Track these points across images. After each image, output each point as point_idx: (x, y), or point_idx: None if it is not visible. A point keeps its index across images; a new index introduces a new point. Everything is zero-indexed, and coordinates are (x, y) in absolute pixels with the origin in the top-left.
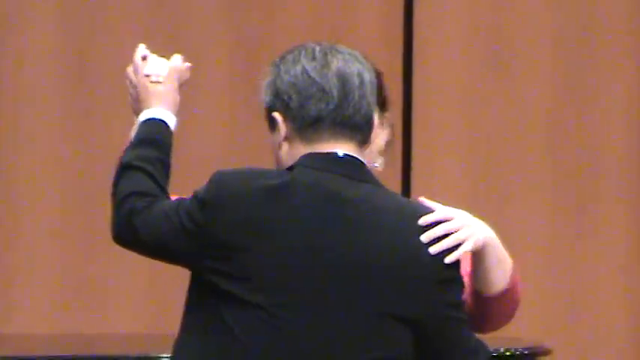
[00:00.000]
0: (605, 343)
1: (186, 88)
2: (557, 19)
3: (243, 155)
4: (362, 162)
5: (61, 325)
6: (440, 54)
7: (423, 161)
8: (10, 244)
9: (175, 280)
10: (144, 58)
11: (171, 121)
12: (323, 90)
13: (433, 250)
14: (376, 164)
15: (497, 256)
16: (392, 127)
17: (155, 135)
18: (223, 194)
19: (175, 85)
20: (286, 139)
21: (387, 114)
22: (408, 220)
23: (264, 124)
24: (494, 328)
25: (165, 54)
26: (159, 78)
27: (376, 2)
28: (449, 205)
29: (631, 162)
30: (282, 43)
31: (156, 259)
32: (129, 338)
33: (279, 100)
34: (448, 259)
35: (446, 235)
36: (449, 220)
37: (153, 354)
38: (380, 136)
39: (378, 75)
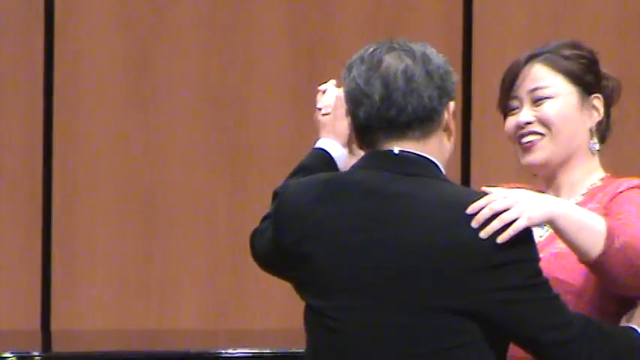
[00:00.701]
0: None
1: (248, 88)
2: (620, 8)
3: (303, 155)
4: (420, 156)
5: (122, 321)
6: (500, 44)
7: (482, 149)
8: (71, 242)
9: (235, 276)
10: (323, 92)
11: (334, 149)
12: (366, 94)
13: (483, 234)
14: (593, 146)
15: (573, 225)
16: (601, 107)
17: (310, 164)
18: (282, 208)
19: (340, 112)
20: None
21: (595, 95)
22: (457, 210)
23: None
24: (628, 292)
25: (224, 51)
26: (327, 109)
27: None
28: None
29: None
30: (343, 37)
31: (281, 278)
32: (189, 334)
33: (347, 109)
34: (500, 240)
35: (496, 218)
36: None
37: (213, 350)
38: (587, 118)
39: (584, 57)
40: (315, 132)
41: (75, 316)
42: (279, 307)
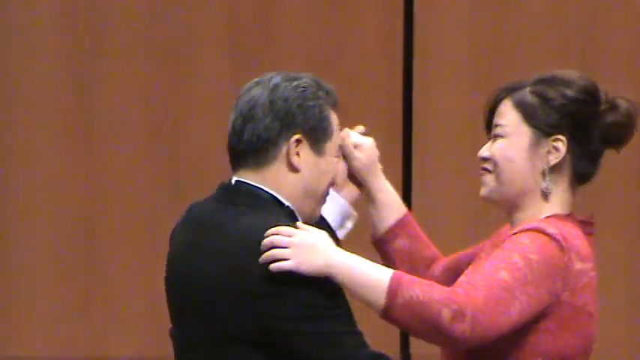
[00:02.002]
0: (606, 349)
1: (188, 113)
2: (560, 36)
3: None
4: (253, 187)
5: (63, 347)
6: (440, 69)
7: (422, 171)
8: (9, 265)
9: None
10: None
11: None
12: (231, 125)
13: (261, 260)
14: (545, 188)
15: (351, 283)
16: (562, 148)
17: None
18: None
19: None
20: None
21: (555, 137)
22: (249, 240)
23: None
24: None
25: (165, 76)
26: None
27: (376, 19)
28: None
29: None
30: (285, 62)
31: None
32: None
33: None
34: (267, 270)
35: (269, 251)
36: (285, 236)
37: None
38: (539, 160)
39: (561, 97)
40: None
41: (13, 341)
42: None
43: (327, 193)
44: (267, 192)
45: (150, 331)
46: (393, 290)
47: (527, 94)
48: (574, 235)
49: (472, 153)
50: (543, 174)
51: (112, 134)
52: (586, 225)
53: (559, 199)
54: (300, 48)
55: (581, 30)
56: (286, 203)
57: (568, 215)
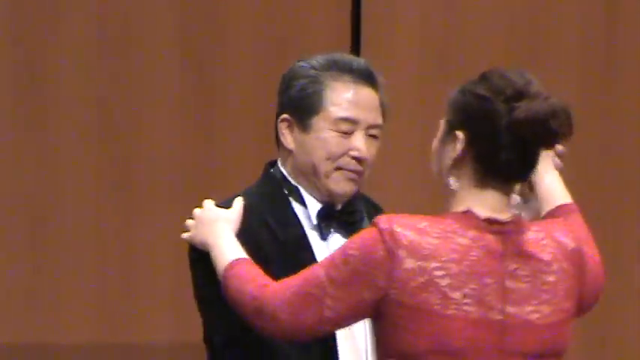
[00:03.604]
0: None
1: (138, 101)
2: (509, 26)
3: (194, 169)
4: (273, 163)
5: (10, 334)
6: (389, 62)
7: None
8: None
9: (125, 289)
10: None
11: None
12: None
13: None
14: (448, 182)
15: (215, 266)
16: (457, 145)
17: None
18: None
19: None
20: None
21: (455, 133)
22: None
23: (213, 138)
24: None
25: (115, 67)
26: None
27: (324, 14)
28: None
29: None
30: (233, 50)
31: None
32: (78, 348)
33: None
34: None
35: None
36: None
37: None
38: (446, 153)
39: (469, 93)
40: (202, 142)
41: None
42: (168, 321)
43: (334, 168)
44: (280, 170)
45: (99, 319)
46: (223, 282)
47: (456, 89)
48: (424, 231)
49: (421, 147)
50: (447, 167)
51: (62, 127)
52: (491, 223)
53: (464, 197)
54: (247, 38)
55: (529, 24)
56: (292, 181)
57: (465, 212)
